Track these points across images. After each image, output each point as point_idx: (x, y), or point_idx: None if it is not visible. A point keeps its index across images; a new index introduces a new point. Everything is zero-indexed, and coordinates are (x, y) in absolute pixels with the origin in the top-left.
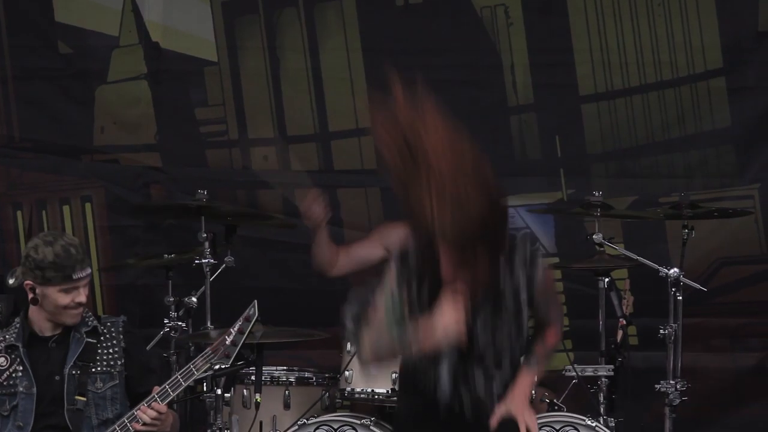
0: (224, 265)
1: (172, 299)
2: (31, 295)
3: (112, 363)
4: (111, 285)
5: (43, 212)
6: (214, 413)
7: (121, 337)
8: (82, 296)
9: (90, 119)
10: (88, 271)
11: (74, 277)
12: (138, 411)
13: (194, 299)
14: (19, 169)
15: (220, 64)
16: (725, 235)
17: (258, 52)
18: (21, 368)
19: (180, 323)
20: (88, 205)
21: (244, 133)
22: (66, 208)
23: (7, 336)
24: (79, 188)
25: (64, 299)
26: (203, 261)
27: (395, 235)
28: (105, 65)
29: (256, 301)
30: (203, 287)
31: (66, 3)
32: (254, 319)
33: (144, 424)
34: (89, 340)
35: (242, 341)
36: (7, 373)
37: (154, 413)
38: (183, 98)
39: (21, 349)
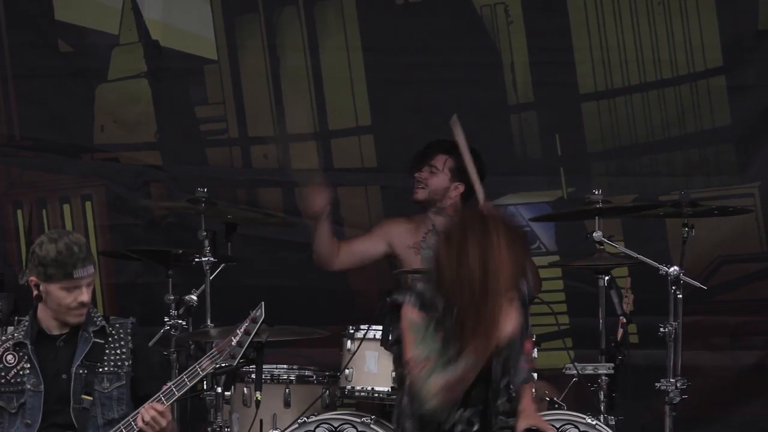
0: (224, 264)
1: (172, 297)
2: (35, 292)
3: (119, 363)
4: (111, 283)
5: (44, 211)
6: (214, 411)
7: (130, 338)
8: (84, 296)
9: (90, 118)
10: (91, 270)
11: (75, 275)
12: (142, 410)
13: (194, 297)
14: (19, 167)
15: (220, 62)
16: (725, 233)
17: (258, 50)
18: (29, 366)
19: (180, 321)
20: (88, 204)
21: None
22: (66, 207)
23: (15, 333)
24: (80, 187)
25: (67, 298)
26: (203, 259)
27: (397, 230)
28: (105, 63)
29: (263, 302)
30: (203, 285)
31: (66, 1)
32: (260, 321)
33: (144, 422)
34: (97, 339)
35: (248, 342)
36: (15, 370)
37: (153, 413)
38: (183, 96)
39: (29, 347)
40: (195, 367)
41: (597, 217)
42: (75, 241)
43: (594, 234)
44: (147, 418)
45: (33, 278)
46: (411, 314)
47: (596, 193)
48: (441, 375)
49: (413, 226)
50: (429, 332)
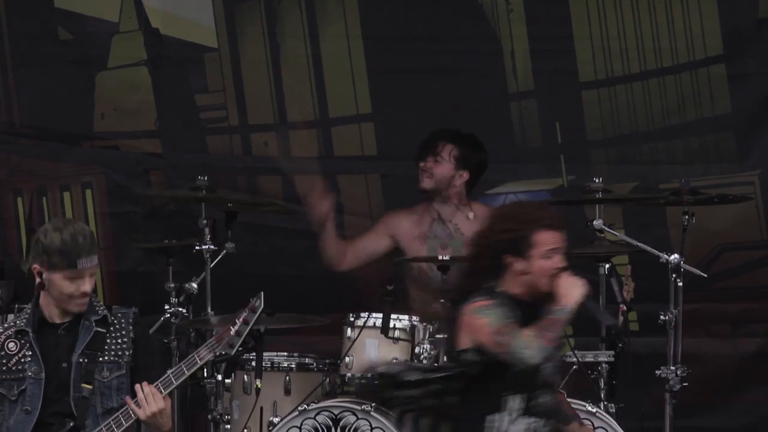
0: (225, 252)
1: (172, 285)
2: (38, 280)
3: (120, 353)
4: (112, 271)
5: (44, 199)
6: (214, 399)
7: (131, 327)
8: (86, 286)
9: (90, 105)
10: (95, 260)
11: (79, 266)
12: (137, 387)
13: (195, 285)
14: (19, 155)
15: (220, 50)
16: (726, 221)
17: (258, 38)
18: (30, 354)
19: (181, 309)
20: (88, 192)
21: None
22: (66, 195)
23: (17, 321)
24: (80, 175)
25: (69, 287)
26: (204, 247)
27: (400, 223)
28: (105, 51)
29: (262, 292)
30: (204, 273)
31: None
32: (260, 311)
33: (137, 404)
34: (98, 328)
35: (246, 332)
36: (17, 358)
37: (149, 389)
38: (183, 84)
39: (31, 335)
40: (193, 356)
41: (597, 205)
42: (80, 231)
43: (594, 222)
44: (141, 396)
45: (36, 266)
46: (476, 304)
47: (596, 181)
48: (528, 327)
49: (416, 216)
50: (499, 309)
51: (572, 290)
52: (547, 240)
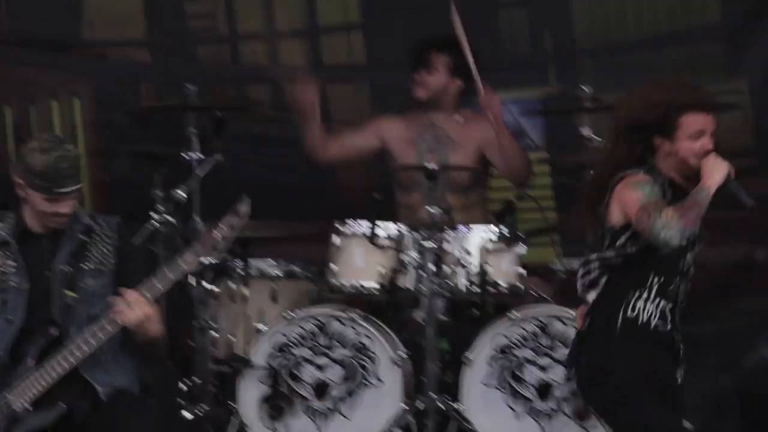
0: (213, 160)
1: (160, 193)
2: (21, 192)
3: (104, 261)
4: (100, 180)
5: (32, 108)
6: (200, 307)
7: (116, 235)
8: (64, 208)
9: (79, 14)
10: (76, 187)
11: (57, 191)
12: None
13: (183, 193)
14: (7, 64)
15: None
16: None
17: None
18: (14, 264)
19: (168, 217)
20: (76, 101)
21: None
22: (54, 104)
23: (0, 231)
24: (68, 84)
25: (47, 208)
26: (192, 155)
27: (389, 126)
28: None
29: (246, 196)
30: (192, 181)
31: None
32: (244, 215)
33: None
34: (82, 237)
35: (231, 235)
36: (1, 269)
37: (134, 295)
38: None
39: (14, 245)
40: (177, 260)
41: (586, 114)
42: (65, 156)
43: (583, 130)
44: (125, 302)
45: (18, 179)
46: (632, 177)
47: (586, 89)
48: (671, 206)
49: (407, 122)
50: (654, 186)
51: (715, 171)
52: (694, 122)
